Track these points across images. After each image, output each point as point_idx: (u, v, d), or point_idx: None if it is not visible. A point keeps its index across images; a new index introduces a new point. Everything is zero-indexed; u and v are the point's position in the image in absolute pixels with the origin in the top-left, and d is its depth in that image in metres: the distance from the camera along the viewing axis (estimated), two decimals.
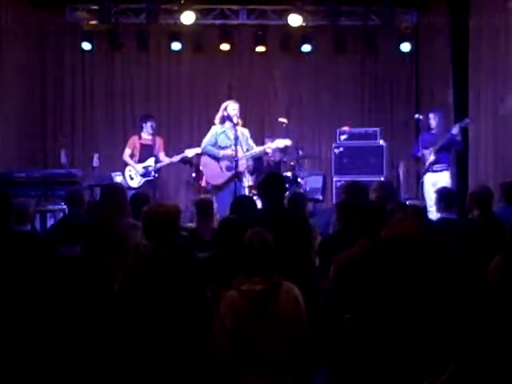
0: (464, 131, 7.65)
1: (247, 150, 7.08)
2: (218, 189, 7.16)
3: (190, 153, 7.95)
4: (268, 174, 5.07)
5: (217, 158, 7.07)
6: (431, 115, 7.67)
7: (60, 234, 4.79)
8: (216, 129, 7.16)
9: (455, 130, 7.34)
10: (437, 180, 7.43)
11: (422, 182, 7.65)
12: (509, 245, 3.36)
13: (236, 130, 6.89)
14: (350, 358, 2.61)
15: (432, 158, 7.51)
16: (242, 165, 7.01)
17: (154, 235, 3.19)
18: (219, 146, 7.11)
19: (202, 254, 4.09)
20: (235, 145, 6.82)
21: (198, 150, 7.76)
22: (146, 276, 3.08)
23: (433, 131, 7.67)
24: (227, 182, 6.96)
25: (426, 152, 7.54)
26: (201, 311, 3.07)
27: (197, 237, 4.75)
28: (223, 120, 7.08)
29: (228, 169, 7.00)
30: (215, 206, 6.81)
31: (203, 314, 3.08)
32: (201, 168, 7.63)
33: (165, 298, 3.02)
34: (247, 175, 7.31)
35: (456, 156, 8.25)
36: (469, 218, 4.60)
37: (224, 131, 7.06)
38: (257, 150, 7.11)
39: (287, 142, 7.15)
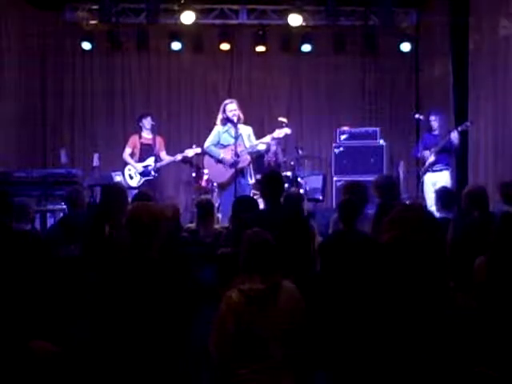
0: (464, 132, 7.65)
1: (250, 147, 7.05)
2: (222, 187, 7.16)
3: (190, 152, 7.97)
4: (265, 174, 5.06)
5: (218, 159, 7.09)
6: (432, 117, 7.66)
7: (59, 234, 4.79)
8: (219, 128, 7.17)
9: (454, 134, 7.35)
10: (436, 180, 7.44)
11: (422, 182, 7.66)
12: (494, 243, 3.33)
13: (237, 129, 6.89)
14: (349, 360, 2.61)
15: (432, 158, 7.52)
16: (245, 160, 6.99)
17: (133, 235, 3.05)
18: (222, 145, 7.11)
19: (223, 249, 4.08)
20: (235, 144, 6.82)
21: (198, 150, 7.76)
22: (121, 277, 2.97)
23: (434, 132, 7.67)
24: (231, 180, 6.94)
25: (427, 153, 7.55)
26: (177, 313, 2.97)
27: (197, 238, 4.75)
28: (224, 121, 7.08)
29: (231, 165, 6.98)
30: (218, 204, 6.85)
31: (181, 315, 2.99)
32: (204, 167, 7.63)
33: (140, 299, 2.89)
34: (251, 171, 7.26)
35: (456, 156, 8.25)
36: (466, 217, 4.61)
37: (227, 130, 7.07)
38: (257, 142, 7.10)
39: (287, 131, 7.12)
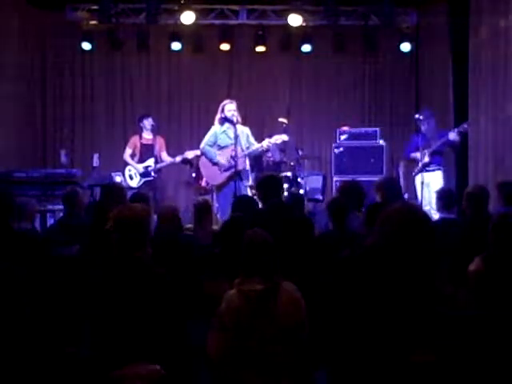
0: (464, 133, 7.63)
1: (247, 148, 7.10)
2: (218, 189, 7.20)
3: (189, 154, 8.01)
4: (264, 175, 5.08)
5: (213, 162, 7.12)
6: (421, 117, 7.55)
7: (58, 234, 4.80)
8: (216, 129, 7.18)
9: (452, 136, 7.32)
10: (429, 180, 7.46)
11: (422, 183, 7.64)
12: (492, 243, 3.33)
13: (236, 129, 6.90)
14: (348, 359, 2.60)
15: (426, 159, 7.52)
16: (242, 163, 7.03)
17: (120, 236, 3.05)
18: (219, 146, 7.13)
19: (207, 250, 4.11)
20: (235, 144, 6.84)
21: (197, 152, 7.79)
22: (112, 277, 2.98)
23: (423, 133, 7.60)
24: (226, 182, 7.00)
25: (420, 154, 7.53)
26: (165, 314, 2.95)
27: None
28: (222, 121, 7.10)
29: (225, 169, 7.02)
30: (215, 205, 6.87)
31: (174, 313, 2.98)
32: (200, 168, 7.65)
33: (129, 298, 2.90)
34: (249, 172, 7.30)
35: (455, 157, 8.24)
36: (464, 217, 4.62)
37: (224, 131, 7.09)
38: (255, 147, 7.13)
39: (284, 138, 7.18)
